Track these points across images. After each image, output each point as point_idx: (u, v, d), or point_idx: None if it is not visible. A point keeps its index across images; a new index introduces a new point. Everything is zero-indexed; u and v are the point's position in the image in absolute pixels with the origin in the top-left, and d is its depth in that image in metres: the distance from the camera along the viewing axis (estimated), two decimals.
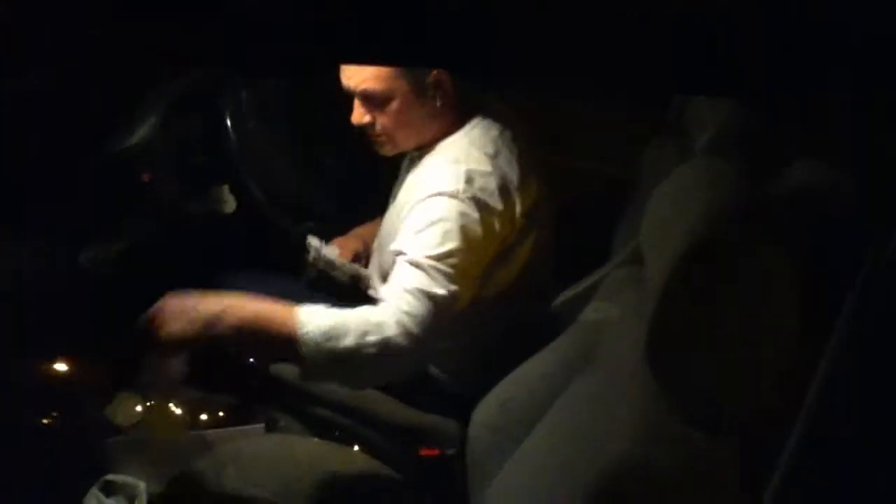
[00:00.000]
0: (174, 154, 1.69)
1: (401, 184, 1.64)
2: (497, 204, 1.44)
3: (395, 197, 1.66)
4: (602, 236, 1.72)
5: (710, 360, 0.97)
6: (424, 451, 1.69)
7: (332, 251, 1.72)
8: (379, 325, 1.32)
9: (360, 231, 1.88)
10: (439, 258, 1.38)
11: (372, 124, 1.53)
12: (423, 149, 1.57)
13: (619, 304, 1.32)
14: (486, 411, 1.47)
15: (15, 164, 1.42)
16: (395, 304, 1.35)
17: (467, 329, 1.51)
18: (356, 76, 1.47)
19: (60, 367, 1.63)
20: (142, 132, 1.61)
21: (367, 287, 1.72)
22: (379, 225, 1.71)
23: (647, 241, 1.14)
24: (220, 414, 1.81)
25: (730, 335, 0.95)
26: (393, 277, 1.41)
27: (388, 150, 1.58)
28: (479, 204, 1.42)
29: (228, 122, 1.70)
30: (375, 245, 1.75)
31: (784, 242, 0.93)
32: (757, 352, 0.94)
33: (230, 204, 1.77)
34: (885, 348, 0.84)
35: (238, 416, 1.80)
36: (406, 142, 1.57)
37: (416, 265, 1.38)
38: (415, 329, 1.33)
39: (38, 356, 1.62)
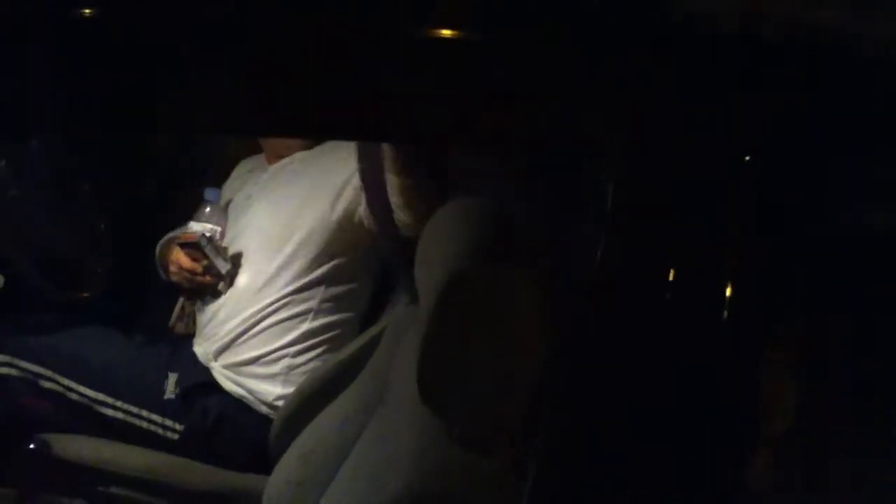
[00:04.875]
0: None
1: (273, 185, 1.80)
2: None
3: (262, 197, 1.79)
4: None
5: (477, 382, 1.01)
6: None
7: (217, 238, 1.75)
8: None
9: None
10: None
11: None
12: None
13: (404, 343, 1.34)
14: (286, 466, 1.44)
15: None
16: None
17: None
18: None
19: None
20: None
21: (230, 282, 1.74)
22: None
23: (418, 279, 1.17)
24: None
25: (492, 357, 1.00)
26: None
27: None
28: None
29: None
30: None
31: (530, 267, 0.99)
32: (518, 368, 0.99)
33: None
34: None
35: None
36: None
37: None
38: None
39: None
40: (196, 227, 1.75)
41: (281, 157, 1.84)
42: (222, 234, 1.77)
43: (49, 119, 0.97)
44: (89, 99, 0.89)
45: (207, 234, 1.72)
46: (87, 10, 0.87)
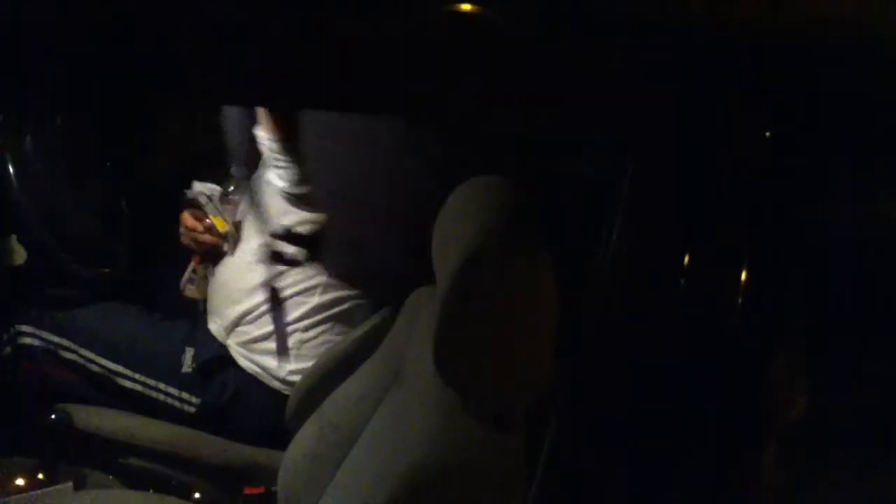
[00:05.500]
0: None
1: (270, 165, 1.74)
2: None
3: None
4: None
5: (492, 359, 1.03)
6: (249, 490, 1.66)
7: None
8: None
9: None
10: None
11: None
12: None
13: (420, 320, 1.36)
14: (302, 440, 1.46)
15: None
16: None
17: None
18: None
19: None
20: None
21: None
22: None
23: (435, 255, 1.19)
24: (40, 477, 1.70)
25: (507, 334, 1.02)
26: None
27: None
28: None
29: (11, 169, 1.61)
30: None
31: (544, 246, 1.01)
32: (532, 346, 1.01)
33: (19, 255, 1.68)
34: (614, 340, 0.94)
35: (50, 477, 1.70)
36: None
37: None
38: None
39: None
40: (198, 185, 1.77)
41: None
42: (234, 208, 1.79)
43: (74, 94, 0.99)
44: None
45: (208, 193, 1.75)
46: None
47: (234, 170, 1.80)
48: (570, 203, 1.22)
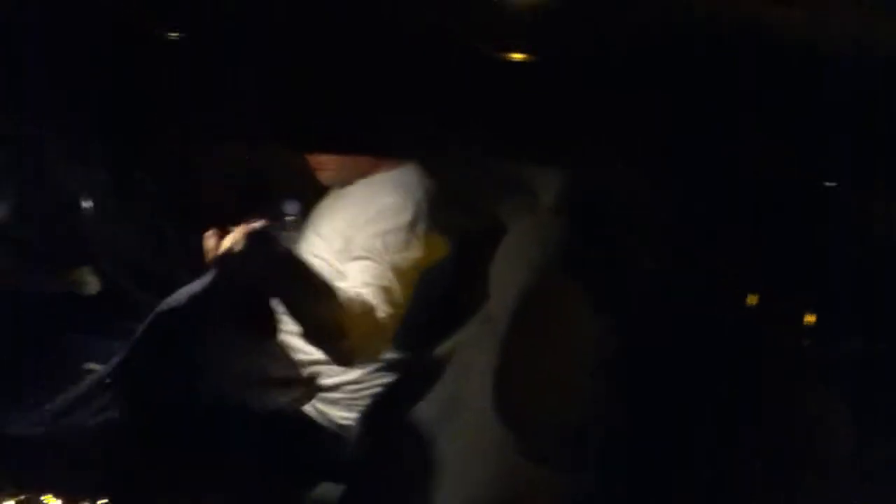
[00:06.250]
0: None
1: (329, 212, 1.73)
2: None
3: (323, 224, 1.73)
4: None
5: (548, 396, 1.03)
6: None
7: None
8: None
9: None
10: None
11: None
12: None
13: (479, 350, 1.35)
14: None
15: None
16: None
17: None
18: None
19: None
20: None
21: None
22: None
23: (493, 290, 1.20)
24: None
25: (561, 366, 1.02)
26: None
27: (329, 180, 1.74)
28: None
29: (90, 204, 1.67)
30: None
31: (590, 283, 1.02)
32: (581, 376, 1.01)
33: (93, 285, 1.73)
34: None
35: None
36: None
37: None
38: None
39: None
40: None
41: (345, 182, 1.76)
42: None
43: None
44: None
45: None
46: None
47: (286, 205, 1.79)
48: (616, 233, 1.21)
